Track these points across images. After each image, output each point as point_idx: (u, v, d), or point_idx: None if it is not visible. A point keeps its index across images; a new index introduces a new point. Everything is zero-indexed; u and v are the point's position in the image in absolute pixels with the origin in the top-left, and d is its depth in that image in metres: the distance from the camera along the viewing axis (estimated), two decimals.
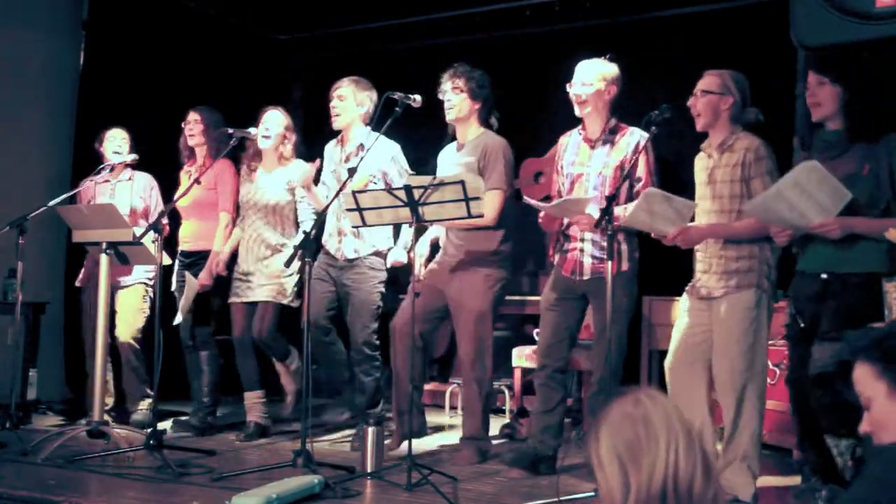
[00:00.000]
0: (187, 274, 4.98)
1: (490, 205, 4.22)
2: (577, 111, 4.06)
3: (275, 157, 4.95)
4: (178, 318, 4.97)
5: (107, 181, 5.27)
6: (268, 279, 4.87)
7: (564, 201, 3.91)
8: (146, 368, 5.15)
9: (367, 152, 4.35)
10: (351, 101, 4.72)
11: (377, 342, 4.69)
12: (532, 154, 6.18)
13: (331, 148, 4.90)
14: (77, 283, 5.42)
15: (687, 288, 3.77)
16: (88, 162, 5.47)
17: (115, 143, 5.27)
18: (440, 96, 4.39)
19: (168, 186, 5.35)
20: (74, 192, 5.14)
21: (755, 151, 3.54)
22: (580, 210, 3.85)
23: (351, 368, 4.79)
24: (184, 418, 5.14)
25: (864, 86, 3.43)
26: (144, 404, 5.16)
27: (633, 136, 4.02)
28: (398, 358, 4.46)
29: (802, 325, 3.49)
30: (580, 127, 4.14)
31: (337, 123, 4.76)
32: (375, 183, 4.59)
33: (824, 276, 3.43)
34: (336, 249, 4.74)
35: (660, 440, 1.39)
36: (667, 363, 3.75)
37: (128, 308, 5.19)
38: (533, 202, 4.00)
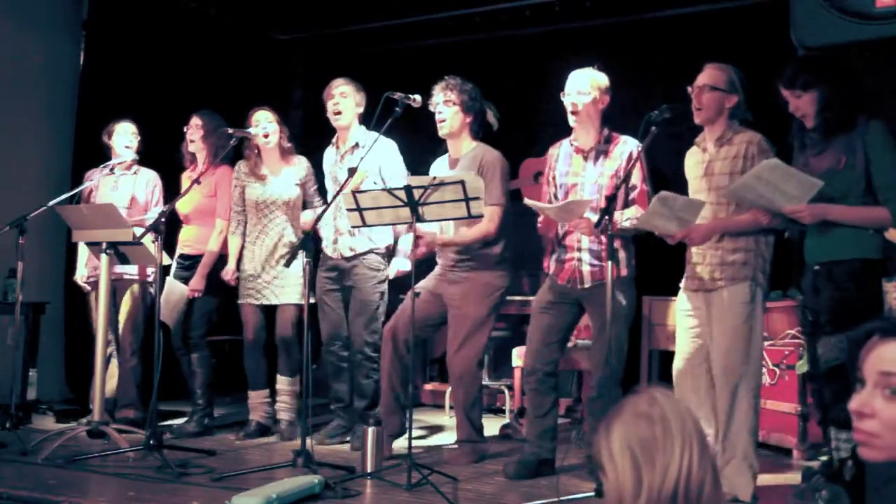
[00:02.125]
0: (168, 279, 4.96)
1: (490, 219, 4.24)
2: (572, 120, 4.05)
3: (278, 153, 4.98)
4: (167, 320, 4.95)
5: (112, 173, 5.28)
6: (291, 281, 4.87)
7: (568, 203, 3.90)
8: (142, 373, 5.15)
9: (367, 152, 4.35)
10: (352, 100, 4.76)
11: (378, 342, 4.70)
12: (532, 154, 6.18)
13: (328, 153, 4.94)
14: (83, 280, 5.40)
15: (682, 283, 3.77)
16: (88, 162, 5.47)
17: (126, 138, 5.26)
18: (431, 108, 4.38)
19: (167, 186, 5.35)
20: (80, 188, 5.13)
21: (758, 144, 3.56)
22: (580, 212, 3.85)
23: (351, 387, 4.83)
24: (181, 421, 5.12)
25: (836, 82, 3.43)
26: (127, 412, 5.11)
27: (627, 146, 4.01)
28: (384, 361, 4.46)
29: (811, 318, 3.49)
30: (570, 138, 4.14)
31: (339, 121, 4.77)
32: (375, 183, 4.60)
33: (816, 267, 3.45)
34: (333, 250, 4.77)
35: (675, 442, 1.36)
36: (675, 367, 3.75)
37: (128, 306, 5.17)
38: (533, 203, 3.99)
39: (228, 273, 4.99)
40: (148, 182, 5.31)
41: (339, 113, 4.75)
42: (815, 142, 3.50)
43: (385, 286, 4.76)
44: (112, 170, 5.23)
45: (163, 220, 4.36)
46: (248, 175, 5.02)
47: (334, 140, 4.90)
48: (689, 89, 3.67)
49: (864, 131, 3.34)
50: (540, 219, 4.11)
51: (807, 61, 3.62)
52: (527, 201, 4.05)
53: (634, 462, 1.38)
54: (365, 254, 4.72)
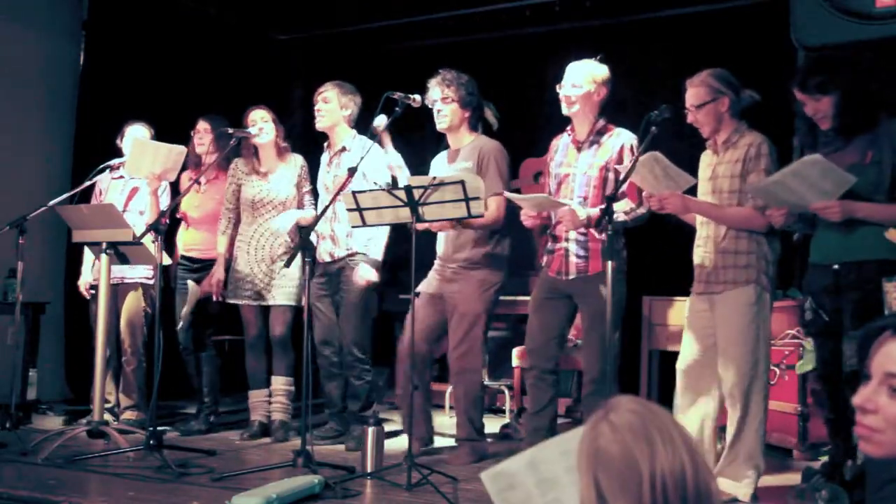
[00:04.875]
0: (189, 281, 4.99)
1: (494, 208, 4.27)
2: (565, 110, 4.08)
3: (274, 152, 4.99)
4: (180, 324, 5.00)
5: (121, 177, 5.28)
6: (286, 282, 4.89)
7: (544, 198, 3.95)
8: (144, 374, 5.15)
9: (366, 152, 4.36)
10: (335, 104, 4.76)
11: (368, 345, 4.69)
12: (532, 154, 6.18)
13: (323, 158, 4.95)
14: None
15: (692, 287, 3.77)
16: (88, 162, 5.46)
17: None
18: (428, 104, 4.39)
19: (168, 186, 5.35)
20: (80, 188, 5.12)
21: (757, 147, 3.56)
22: (553, 209, 3.86)
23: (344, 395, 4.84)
24: (186, 426, 5.12)
25: (852, 83, 3.42)
26: (131, 415, 5.13)
27: (620, 138, 4.04)
28: (408, 375, 4.46)
29: (826, 318, 3.48)
30: (569, 128, 4.16)
31: (319, 124, 4.81)
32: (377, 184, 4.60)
33: (836, 266, 3.42)
34: (317, 254, 4.79)
35: (643, 471, 1.31)
36: (679, 365, 3.74)
37: (128, 309, 5.16)
38: (512, 196, 4.03)
39: (215, 282, 4.95)
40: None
41: (321, 117, 4.78)
42: (832, 139, 3.48)
43: (374, 291, 4.73)
44: (120, 175, 5.23)
45: (163, 219, 4.36)
46: (246, 173, 5.03)
47: (326, 144, 4.91)
48: (686, 115, 3.67)
49: (889, 129, 3.32)
50: (522, 213, 4.12)
51: (820, 63, 3.58)
52: (506, 194, 4.07)
53: (600, 496, 1.34)
54: (345, 258, 4.71)
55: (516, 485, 1.60)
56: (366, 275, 4.61)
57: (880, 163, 3.32)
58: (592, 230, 3.96)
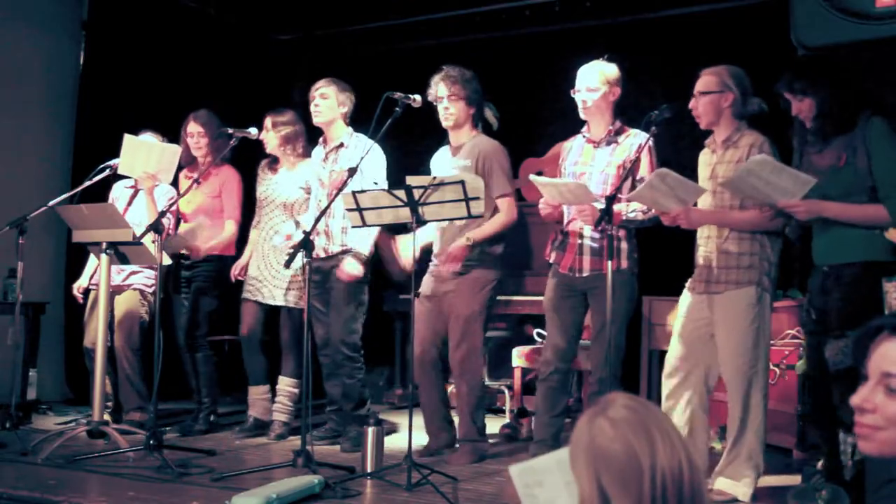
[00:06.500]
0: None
1: (507, 210, 4.32)
2: (583, 115, 4.09)
3: (283, 156, 5.06)
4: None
5: (133, 186, 5.27)
6: (297, 284, 4.91)
7: (571, 185, 3.90)
8: (142, 377, 5.13)
9: (366, 152, 4.35)
10: (333, 101, 4.76)
11: (358, 342, 4.69)
12: (532, 154, 6.19)
13: (316, 151, 4.95)
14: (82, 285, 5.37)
15: (688, 283, 3.77)
16: (88, 162, 5.46)
17: None
18: (431, 100, 4.39)
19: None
20: (85, 185, 5.07)
21: (759, 147, 3.56)
22: (583, 199, 3.84)
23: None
24: (186, 426, 5.10)
25: (832, 87, 3.41)
26: (136, 415, 5.12)
27: (637, 138, 4.04)
28: (422, 387, 4.48)
29: (814, 317, 3.48)
30: (584, 129, 4.16)
31: (316, 119, 4.80)
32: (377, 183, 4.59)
33: (825, 268, 3.44)
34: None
35: (644, 474, 1.33)
36: (667, 362, 3.75)
37: (124, 313, 5.14)
38: (537, 179, 3.96)
39: (238, 267, 5.04)
40: (165, 193, 5.18)
41: (318, 113, 4.78)
42: (816, 140, 3.50)
43: (363, 287, 4.70)
44: (133, 185, 5.22)
45: (163, 219, 4.36)
46: (263, 171, 5.14)
47: (321, 139, 4.91)
48: (690, 104, 3.68)
49: (864, 129, 3.33)
50: (541, 202, 4.11)
51: (802, 65, 3.60)
52: (531, 177, 4.02)
53: (602, 495, 1.35)
54: (338, 255, 4.68)
55: (545, 482, 1.61)
56: (350, 269, 4.57)
57: (854, 165, 3.32)
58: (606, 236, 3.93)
